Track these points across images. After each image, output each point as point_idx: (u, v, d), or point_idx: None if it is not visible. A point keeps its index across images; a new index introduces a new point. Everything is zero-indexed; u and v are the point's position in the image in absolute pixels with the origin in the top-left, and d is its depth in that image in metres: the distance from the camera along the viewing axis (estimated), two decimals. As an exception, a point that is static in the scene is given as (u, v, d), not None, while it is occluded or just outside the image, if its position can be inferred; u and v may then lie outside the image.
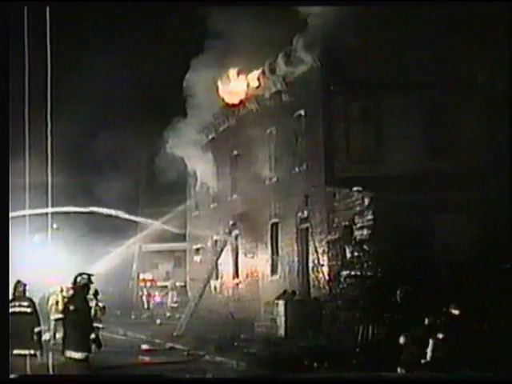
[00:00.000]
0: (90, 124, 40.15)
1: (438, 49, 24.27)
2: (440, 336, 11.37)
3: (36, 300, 17.10)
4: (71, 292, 13.27)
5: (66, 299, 13.33)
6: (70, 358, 12.53)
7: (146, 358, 23.30)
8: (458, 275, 19.95)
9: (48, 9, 19.82)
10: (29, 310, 15.69)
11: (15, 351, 14.93)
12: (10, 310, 14.84)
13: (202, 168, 35.74)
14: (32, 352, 15.48)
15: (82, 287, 13.16)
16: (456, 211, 23.01)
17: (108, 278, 39.31)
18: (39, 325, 15.76)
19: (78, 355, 12.53)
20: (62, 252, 35.77)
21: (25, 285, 16.09)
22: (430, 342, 11.38)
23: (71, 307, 12.85)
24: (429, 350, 11.20)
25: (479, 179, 22.50)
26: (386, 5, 22.77)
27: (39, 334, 15.64)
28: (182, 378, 13.87)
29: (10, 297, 15.26)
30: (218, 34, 30.04)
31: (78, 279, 13.18)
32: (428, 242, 22.33)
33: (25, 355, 15.36)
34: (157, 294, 44.74)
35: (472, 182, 22.62)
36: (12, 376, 12.72)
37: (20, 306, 15.64)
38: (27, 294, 16.23)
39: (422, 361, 11.25)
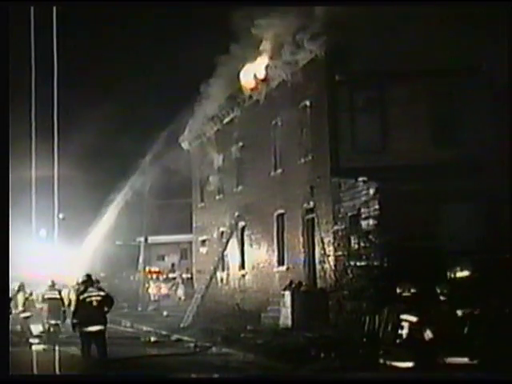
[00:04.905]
0: (95, 118, 40.24)
1: (442, 37, 24.19)
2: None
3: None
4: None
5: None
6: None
7: (153, 350, 23.32)
8: (464, 264, 19.86)
9: (54, 9, 19.82)
10: (58, 296, 26.27)
11: (51, 321, 25.81)
12: (46, 296, 26.13)
13: (207, 159, 35.72)
14: (59, 322, 25.86)
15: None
16: (462, 200, 22.96)
17: (114, 271, 39.41)
18: (64, 306, 26.20)
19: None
20: (68, 244, 35.87)
21: (53, 281, 26.66)
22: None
23: None
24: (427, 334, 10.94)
25: (484, 168, 22.42)
26: (386, 5, 22.76)
27: (64, 312, 25.81)
28: (183, 378, 14.19)
29: (46, 288, 26.43)
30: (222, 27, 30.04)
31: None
32: (434, 231, 22.29)
33: (55, 324, 25.87)
34: (163, 286, 44.77)
35: (477, 171, 22.55)
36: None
37: (53, 294, 26.13)
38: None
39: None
